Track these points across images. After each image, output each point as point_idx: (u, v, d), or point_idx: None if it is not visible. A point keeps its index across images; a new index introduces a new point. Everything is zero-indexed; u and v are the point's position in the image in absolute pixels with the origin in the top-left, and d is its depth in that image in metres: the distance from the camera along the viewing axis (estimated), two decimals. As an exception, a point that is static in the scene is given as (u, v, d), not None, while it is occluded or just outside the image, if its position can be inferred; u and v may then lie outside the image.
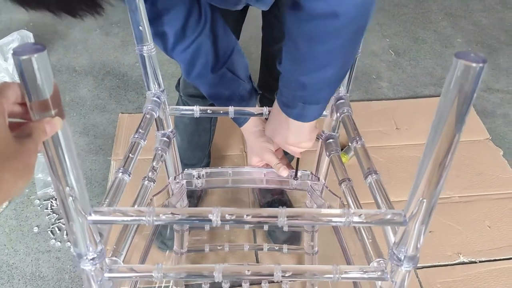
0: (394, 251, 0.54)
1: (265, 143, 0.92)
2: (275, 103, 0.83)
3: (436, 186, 0.46)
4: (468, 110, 0.40)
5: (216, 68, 0.87)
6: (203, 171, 0.94)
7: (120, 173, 0.68)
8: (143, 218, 0.52)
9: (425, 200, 0.47)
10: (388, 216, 0.51)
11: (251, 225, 1.25)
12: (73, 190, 0.49)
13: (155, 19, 0.76)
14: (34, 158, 0.41)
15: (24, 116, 0.43)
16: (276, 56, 1.14)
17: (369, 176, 0.68)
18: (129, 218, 0.53)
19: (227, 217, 0.51)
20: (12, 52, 0.39)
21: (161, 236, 1.38)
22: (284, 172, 0.90)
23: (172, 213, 0.52)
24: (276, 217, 0.51)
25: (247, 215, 0.51)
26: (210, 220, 0.51)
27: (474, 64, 0.36)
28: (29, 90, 0.40)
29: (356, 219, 0.50)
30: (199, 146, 1.40)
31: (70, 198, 0.49)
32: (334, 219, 0.51)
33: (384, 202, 0.63)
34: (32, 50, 0.38)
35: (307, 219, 0.51)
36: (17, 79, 0.40)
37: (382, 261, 0.63)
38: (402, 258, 0.53)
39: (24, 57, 0.38)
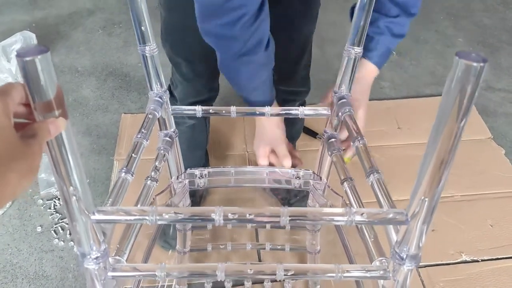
0: (396, 250, 0.54)
1: (283, 135, 0.92)
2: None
3: (438, 184, 0.46)
4: (469, 109, 0.40)
5: (266, 47, 0.84)
6: (206, 170, 0.95)
7: (123, 173, 0.68)
8: (146, 218, 0.52)
9: (427, 199, 0.47)
10: (390, 215, 0.51)
11: (254, 224, 1.25)
12: (77, 189, 0.49)
13: None
14: (39, 159, 0.41)
15: (29, 117, 0.43)
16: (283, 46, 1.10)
17: (371, 175, 0.68)
18: (132, 218, 0.53)
19: (230, 216, 0.51)
20: (15, 53, 0.39)
21: (165, 235, 1.39)
22: (287, 162, 0.91)
23: (175, 213, 0.52)
24: (278, 216, 0.51)
25: (249, 214, 0.51)
26: (213, 220, 0.51)
27: (475, 64, 0.36)
28: (32, 91, 0.40)
29: (358, 218, 0.51)
30: (197, 146, 1.40)
31: (74, 197, 0.49)
32: (336, 218, 0.51)
33: (386, 201, 0.63)
34: (36, 52, 0.38)
35: (309, 219, 0.51)
36: (20, 79, 0.40)
37: (384, 260, 0.63)
38: (404, 257, 0.53)
39: (27, 59, 0.38)
